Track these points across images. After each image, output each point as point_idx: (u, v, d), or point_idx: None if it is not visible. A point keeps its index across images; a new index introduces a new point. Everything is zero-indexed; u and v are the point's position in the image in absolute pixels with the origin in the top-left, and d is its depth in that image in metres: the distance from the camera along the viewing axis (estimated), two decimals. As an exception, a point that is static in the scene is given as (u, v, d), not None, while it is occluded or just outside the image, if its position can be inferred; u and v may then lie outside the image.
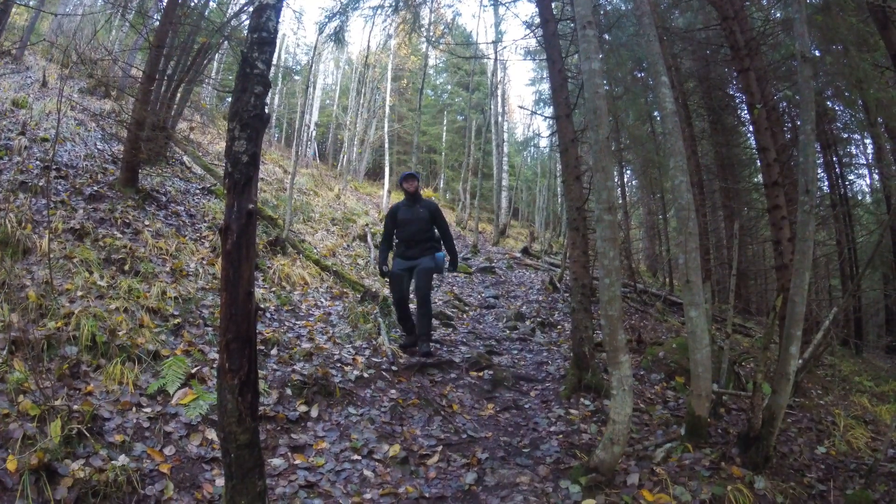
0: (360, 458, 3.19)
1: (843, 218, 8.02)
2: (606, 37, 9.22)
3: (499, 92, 15.52)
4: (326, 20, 6.50)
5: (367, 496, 2.83)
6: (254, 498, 2.11)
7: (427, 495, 2.89)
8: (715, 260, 9.47)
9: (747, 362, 6.16)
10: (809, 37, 6.65)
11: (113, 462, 2.65)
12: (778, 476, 3.32)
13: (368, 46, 12.77)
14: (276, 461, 3.04)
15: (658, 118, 10.54)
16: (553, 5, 5.79)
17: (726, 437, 3.94)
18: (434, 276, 5.17)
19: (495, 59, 11.47)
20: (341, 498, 2.78)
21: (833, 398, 5.42)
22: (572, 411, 4.17)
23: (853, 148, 8.65)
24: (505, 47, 9.85)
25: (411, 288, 4.93)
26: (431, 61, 18.81)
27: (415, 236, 4.84)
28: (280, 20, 2.62)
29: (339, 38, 6.35)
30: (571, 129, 5.13)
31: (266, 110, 2.40)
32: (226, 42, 7.35)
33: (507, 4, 8.80)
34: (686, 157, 8.56)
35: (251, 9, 7.43)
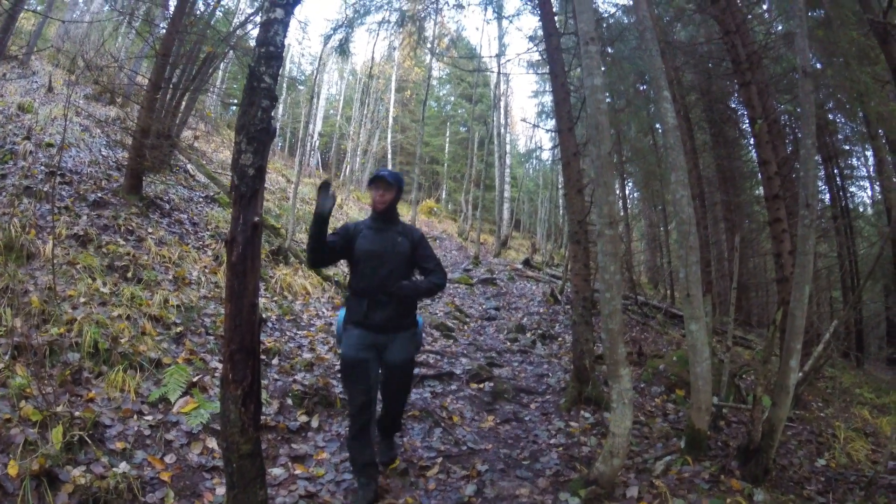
0: (360, 468, 3.19)
1: (844, 230, 8.05)
2: (609, 50, 9.31)
3: (501, 104, 15.66)
4: (332, 32, 6.60)
5: (367, 507, 2.82)
6: (254, 508, 2.11)
7: (427, 507, 2.89)
8: (716, 272, 9.47)
9: (748, 375, 6.15)
10: (810, 50, 6.74)
11: (114, 469, 2.66)
12: (777, 489, 3.32)
13: (373, 58, 12.90)
14: (277, 471, 3.04)
15: (660, 131, 10.61)
16: (556, 19, 5.86)
17: (726, 450, 3.93)
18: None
19: (498, 72, 11.61)
20: (341, 509, 2.78)
21: (834, 410, 5.40)
22: (572, 424, 4.17)
23: (854, 160, 8.72)
24: (508, 60, 10.02)
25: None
26: (435, 73, 19.01)
27: (387, 283, 2.76)
28: (286, 34, 2.65)
29: (343, 49, 6.44)
30: (574, 142, 5.17)
31: (272, 123, 2.43)
32: (231, 52, 7.43)
33: (510, 18, 8.91)
34: (687, 170, 8.59)
35: (257, 19, 7.55)
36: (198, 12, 6.51)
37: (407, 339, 2.87)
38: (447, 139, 20.60)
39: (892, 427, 5.02)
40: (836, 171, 8.27)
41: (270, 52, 2.43)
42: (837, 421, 4.92)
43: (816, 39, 5.13)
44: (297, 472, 3.07)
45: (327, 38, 6.64)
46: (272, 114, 2.45)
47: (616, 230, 3.07)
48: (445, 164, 20.61)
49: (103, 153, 6.17)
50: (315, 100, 17.36)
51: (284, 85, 15.38)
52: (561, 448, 3.73)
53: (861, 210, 9.78)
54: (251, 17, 6.74)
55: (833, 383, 6.36)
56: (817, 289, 8.33)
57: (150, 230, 5.21)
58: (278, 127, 17.71)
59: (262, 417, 3.43)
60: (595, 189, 3.07)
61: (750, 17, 7.47)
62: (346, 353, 2.76)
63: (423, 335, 6.28)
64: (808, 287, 3.83)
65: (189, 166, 7.63)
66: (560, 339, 7.04)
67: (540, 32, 6.95)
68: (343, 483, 3.03)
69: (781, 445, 4.27)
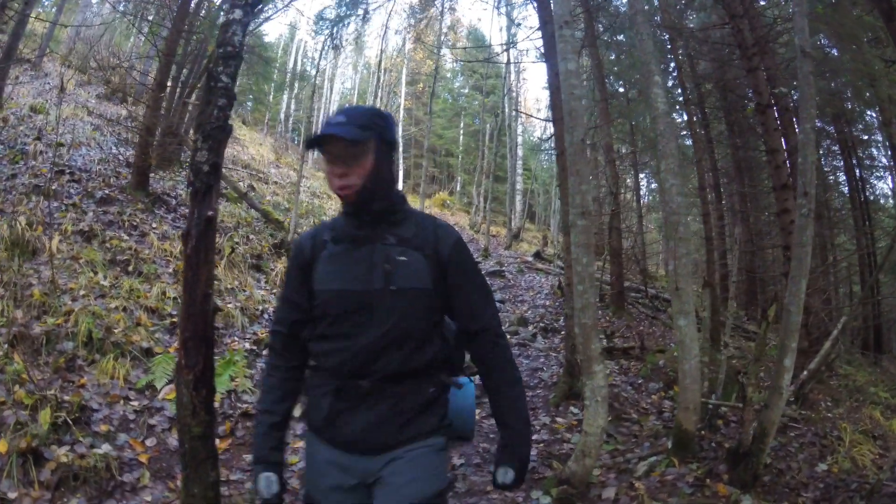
0: (334, 457, 3.25)
1: (862, 222, 7.66)
2: (621, 38, 9.08)
3: (514, 94, 15.53)
4: (331, 28, 6.72)
5: (334, 495, 2.88)
6: (206, 487, 2.20)
7: (395, 497, 2.92)
8: (733, 264, 9.16)
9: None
10: (822, 34, 6.41)
11: (95, 450, 2.82)
12: (770, 495, 3.19)
13: (382, 51, 13.06)
14: (251, 457, 3.13)
15: (679, 121, 10.30)
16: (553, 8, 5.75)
17: (718, 452, 3.81)
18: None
19: (507, 62, 11.49)
20: (307, 495, 2.85)
21: (843, 410, 5.16)
22: (559, 420, 4.13)
23: (875, 150, 8.27)
24: (506, 49, 9.88)
25: None
26: (448, 65, 19.09)
27: (373, 359, 1.23)
28: (245, 35, 2.69)
29: (335, 45, 6.57)
30: (568, 131, 5.09)
31: (229, 122, 2.49)
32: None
33: (517, 6, 8.80)
34: (699, 160, 8.27)
35: (260, 16, 7.67)
36: (202, 13, 6.67)
37: (423, 460, 1.27)
38: (461, 131, 20.60)
39: (904, 429, 4.77)
40: (854, 161, 7.86)
41: (228, 52, 2.49)
42: (844, 422, 4.70)
43: (825, 21, 4.86)
44: (272, 459, 3.15)
45: (331, 33, 6.77)
46: (229, 112, 2.52)
47: (589, 220, 3.01)
48: (459, 157, 20.64)
49: (114, 151, 6.42)
50: (326, 93, 17.71)
51: (296, 81, 15.75)
52: (542, 444, 3.71)
53: (882, 202, 9.30)
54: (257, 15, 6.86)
55: (846, 381, 6.08)
56: (836, 282, 7.97)
57: (154, 225, 5.40)
58: (291, 121, 18.10)
59: (245, 405, 3.54)
60: (568, 178, 3.02)
61: (764, 2, 7.15)
62: (308, 492, 1.34)
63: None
64: (804, 281, 3.68)
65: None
66: (562, 332, 6.95)
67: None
68: (314, 471, 3.10)
69: (781, 448, 4.12)
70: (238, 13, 2.52)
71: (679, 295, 3.76)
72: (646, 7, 7.95)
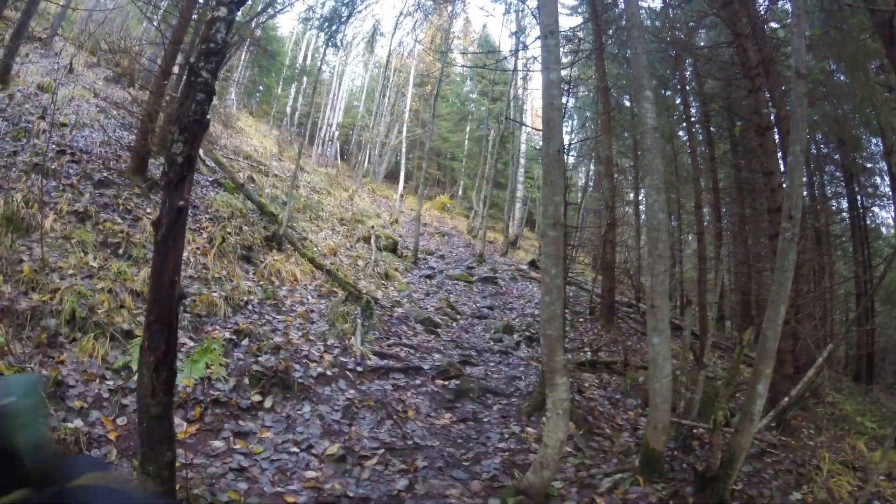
0: (298, 451, 3.30)
1: (861, 249, 7.58)
2: (628, 53, 9.07)
3: (520, 102, 15.50)
4: (328, 26, 6.81)
5: (291, 487, 2.92)
6: (161, 466, 2.26)
7: (351, 495, 2.95)
8: (730, 285, 9.08)
9: (741, 394, 5.89)
10: (829, 59, 6.36)
11: (67, 424, 2.89)
12: (736, 522, 3.18)
13: (391, 52, 13.16)
14: (217, 443, 3.18)
15: (683, 137, 10.25)
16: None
17: (688, 474, 3.80)
18: None
19: (514, 69, 11.54)
20: (266, 485, 2.89)
21: (825, 439, 5.10)
22: (529, 429, 4.13)
23: (878, 178, 8.17)
24: (517, 52, 9.88)
25: None
26: (458, 68, 19.18)
27: None
28: (229, 32, 2.74)
29: (333, 43, 6.65)
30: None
31: (206, 116, 2.55)
32: (248, 42, 7.67)
33: (528, 14, 8.80)
34: (696, 179, 8.14)
35: (270, 10, 7.77)
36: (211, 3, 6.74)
37: None
38: (466, 136, 20.63)
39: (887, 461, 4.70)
40: (857, 188, 7.77)
41: (210, 48, 2.56)
42: (825, 451, 4.65)
43: (829, 45, 4.83)
44: (237, 446, 3.20)
45: (321, 28, 6.83)
46: (207, 107, 2.59)
47: (560, 232, 3.03)
48: (463, 161, 20.68)
49: (117, 133, 6.53)
50: (335, 89, 17.89)
51: (304, 76, 15.90)
52: (507, 453, 3.71)
53: (883, 231, 9.17)
54: (265, 9, 6.96)
55: (832, 409, 5.99)
56: (832, 309, 7.88)
57: (148, 210, 5.49)
58: (297, 115, 18.28)
59: (216, 393, 3.60)
60: (543, 188, 3.04)
61: (776, 26, 7.10)
62: None
63: (404, 327, 6.17)
64: (783, 307, 3.67)
65: (199, 151, 7.95)
66: (549, 343, 6.94)
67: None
68: (277, 462, 3.14)
69: (755, 473, 4.10)
70: (223, 10, 2.58)
71: (654, 312, 3.76)
72: (647, 23, 7.98)
